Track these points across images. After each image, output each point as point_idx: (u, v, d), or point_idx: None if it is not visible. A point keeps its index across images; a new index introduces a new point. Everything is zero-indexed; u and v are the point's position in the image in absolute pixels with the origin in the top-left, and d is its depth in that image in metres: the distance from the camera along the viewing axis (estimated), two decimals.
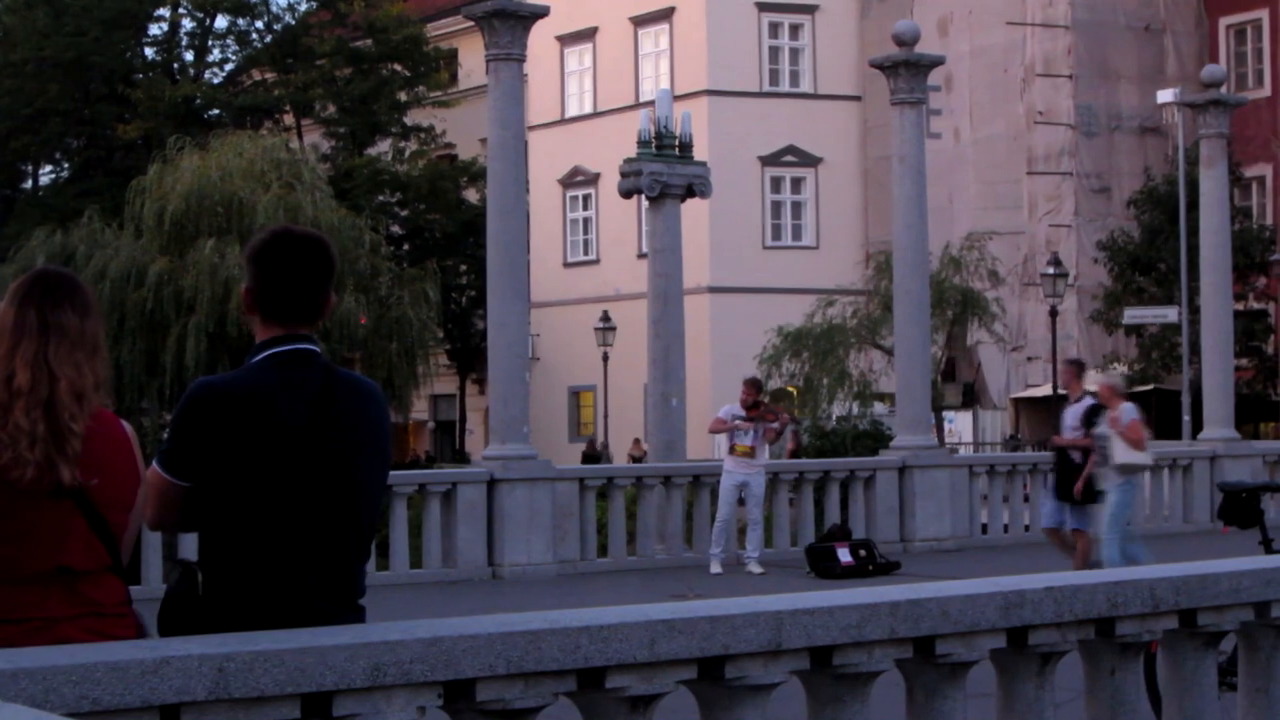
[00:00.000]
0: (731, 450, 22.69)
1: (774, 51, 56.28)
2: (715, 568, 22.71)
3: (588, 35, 57.94)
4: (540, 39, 39.95)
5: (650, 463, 28.74)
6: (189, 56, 62.99)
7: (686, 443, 28.97)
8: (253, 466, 4.95)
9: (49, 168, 66.39)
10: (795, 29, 56.42)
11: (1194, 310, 37.11)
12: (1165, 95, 42.74)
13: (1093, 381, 19.42)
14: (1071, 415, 18.85)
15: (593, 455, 49.95)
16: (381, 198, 58.49)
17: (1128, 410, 18.35)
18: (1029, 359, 52.42)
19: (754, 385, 23.35)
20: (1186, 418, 37.97)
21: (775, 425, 23.10)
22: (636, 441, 52.44)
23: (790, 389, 43.76)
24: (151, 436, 33.06)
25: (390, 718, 4.50)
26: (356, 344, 39.98)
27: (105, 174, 58.40)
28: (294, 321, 5.15)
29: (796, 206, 56.47)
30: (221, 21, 61.71)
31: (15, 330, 4.97)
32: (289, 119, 60.63)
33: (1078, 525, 18.92)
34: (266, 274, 5.15)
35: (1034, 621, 5.73)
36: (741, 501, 22.91)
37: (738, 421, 22.61)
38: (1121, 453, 18.08)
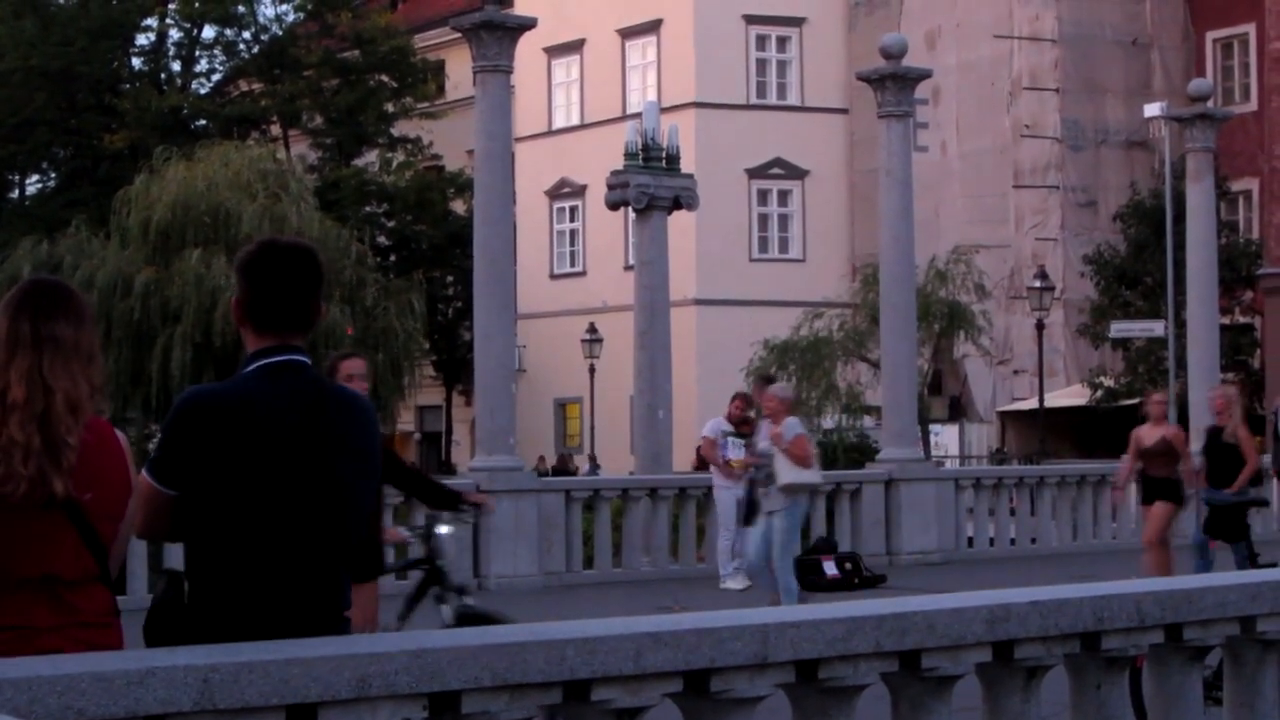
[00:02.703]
0: (725, 463, 22.38)
1: (761, 64, 56.32)
2: (739, 583, 21.69)
3: (575, 47, 57.94)
4: (527, 50, 39.91)
5: (637, 474, 28.73)
6: (176, 67, 62.95)
7: (673, 455, 28.98)
8: (242, 476, 4.94)
9: (35, 177, 66.32)
10: (783, 41, 56.46)
11: (1180, 324, 37.12)
12: (1152, 109, 42.76)
13: (771, 393, 18.32)
14: (765, 432, 17.83)
15: (541, 474, 49.91)
16: (368, 208, 58.43)
17: (792, 425, 17.55)
18: (1015, 372, 52.44)
19: (747, 400, 22.92)
20: None
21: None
22: (569, 457, 52.45)
23: None
24: (137, 446, 32.98)
25: None
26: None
27: (92, 184, 58.30)
28: (285, 332, 5.14)
29: (783, 219, 56.50)
30: (209, 32, 61.70)
31: (9, 343, 4.95)
32: (276, 129, 60.59)
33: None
34: (256, 284, 5.14)
35: (1019, 635, 5.73)
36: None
37: (729, 439, 22.27)
38: (787, 472, 17.21)
